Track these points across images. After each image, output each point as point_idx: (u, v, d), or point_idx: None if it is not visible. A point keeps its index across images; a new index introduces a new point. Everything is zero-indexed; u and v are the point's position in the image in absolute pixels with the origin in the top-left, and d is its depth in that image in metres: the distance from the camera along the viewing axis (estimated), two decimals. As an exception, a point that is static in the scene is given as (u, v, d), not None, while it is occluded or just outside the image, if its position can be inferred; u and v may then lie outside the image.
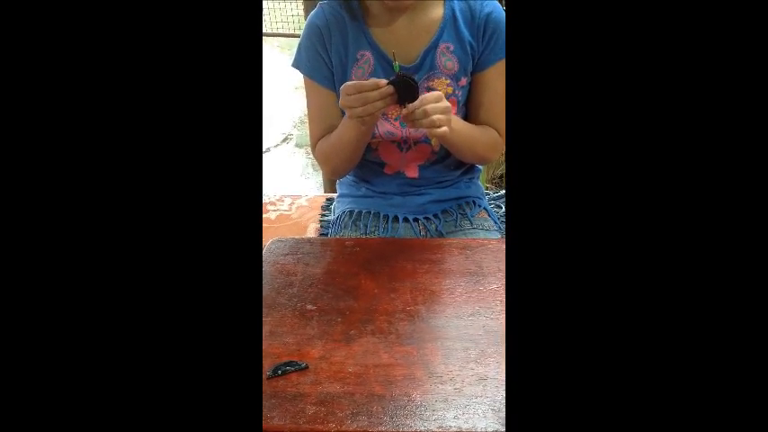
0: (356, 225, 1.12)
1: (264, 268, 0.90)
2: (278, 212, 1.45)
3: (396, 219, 1.12)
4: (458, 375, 0.68)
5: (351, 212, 1.15)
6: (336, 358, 0.71)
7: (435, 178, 1.13)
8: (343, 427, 0.61)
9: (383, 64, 1.02)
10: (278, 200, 1.50)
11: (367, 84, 0.88)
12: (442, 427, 0.61)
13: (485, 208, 1.17)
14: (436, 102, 0.87)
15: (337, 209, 1.21)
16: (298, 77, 1.10)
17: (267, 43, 4.78)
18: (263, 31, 4.67)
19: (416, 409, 0.64)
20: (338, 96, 1.06)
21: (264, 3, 4.74)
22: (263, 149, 3.14)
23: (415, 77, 1.01)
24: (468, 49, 1.02)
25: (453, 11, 1.02)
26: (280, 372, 0.68)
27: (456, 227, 1.12)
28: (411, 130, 1.05)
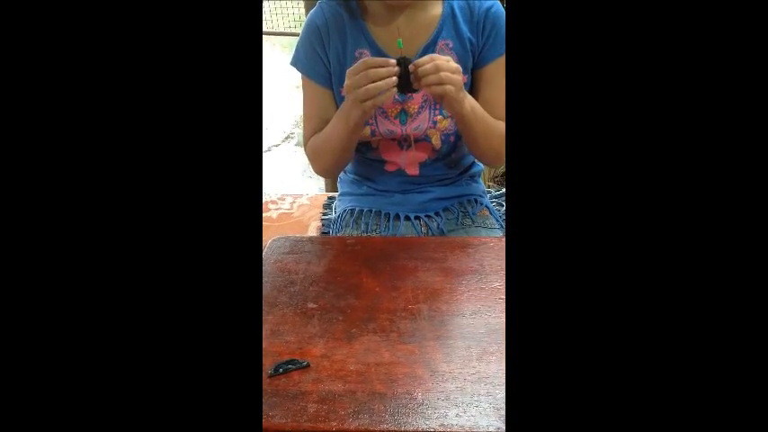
0: (357, 223, 1.12)
1: (266, 267, 0.89)
2: (279, 211, 1.45)
3: (397, 217, 1.12)
4: (459, 374, 0.67)
5: (352, 211, 1.15)
6: (338, 357, 0.71)
7: (436, 176, 1.12)
8: (345, 426, 0.61)
9: None
10: (279, 198, 1.50)
11: (376, 60, 0.88)
12: (443, 425, 0.61)
13: (486, 206, 1.17)
14: (446, 62, 0.88)
15: (338, 207, 1.21)
16: (299, 76, 1.10)
17: (268, 42, 4.78)
18: (265, 30, 4.67)
19: (418, 407, 0.63)
20: (335, 95, 1.06)
21: (266, 2, 4.73)
22: (265, 148, 3.14)
23: None
24: (468, 45, 1.02)
25: (452, 8, 1.02)
26: (281, 370, 0.68)
27: (457, 225, 1.12)
28: (411, 128, 1.05)
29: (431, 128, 1.06)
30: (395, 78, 0.87)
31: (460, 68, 0.90)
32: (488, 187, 1.31)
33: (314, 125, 1.07)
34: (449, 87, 0.87)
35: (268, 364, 0.69)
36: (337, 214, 1.19)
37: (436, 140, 1.08)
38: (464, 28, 1.02)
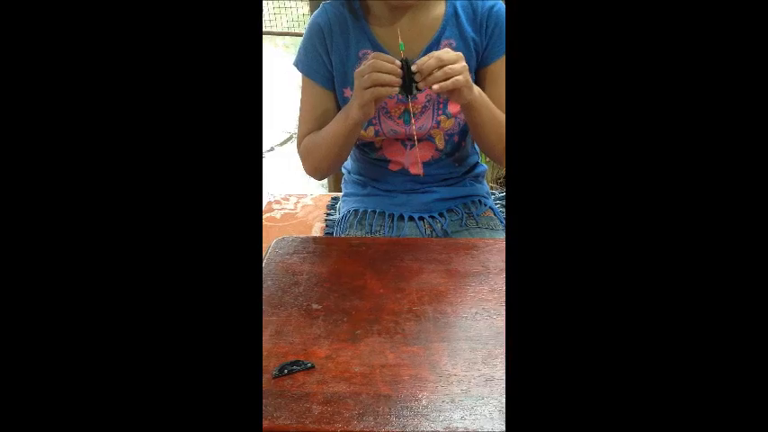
0: (361, 224, 1.12)
1: (270, 267, 0.89)
2: (283, 211, 1.45)
3: (401, 218, 1.12)
4: (465, 376, 0.67)
5: (356, 211, 1.15)
6: (342, 358, 0.70)
7: (440, 175, 1.12)
8: (350, 428, 0.61)
9: None
10: (283, 198, 1.50)
11: (386, 56, 0.90)
12: (448, 427, 0.61)
13: (490, 207, 1.16)
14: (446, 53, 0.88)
15: (342, 208, 1.21)
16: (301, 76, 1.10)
17: (272, 42, 4.78)
18: (268, 30, 4.67)
19: (423, 409, 0.63)
20: (336, 96, 1.06)
21: (270, 2, 4.74)
22: (267, 148, 3.14)
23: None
24: (472, 44, 1.02)
25: (455, 8, 1.02)
26: (285, 371, 0.68)
27: (461, 226, 1.12)
28: (414, 127, 1.04)
29: (434, 128, 1.06)
30: (397, 76, 0.88)
31: (461, 55, 0.89)
32: (492, 189, 1.31)
33: (310, 125, 1.07)
34: (456, 78, 0.87)
35: (272, 365, 0.69)
36: (341, 215, 1.19)
37: (440, 140, 1.08)
38: (467, 27, 1.02)
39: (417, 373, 0.68)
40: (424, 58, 0.88)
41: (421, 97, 1.03)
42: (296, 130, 1.14)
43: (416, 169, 1.10)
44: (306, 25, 1.09)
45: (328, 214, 1.41)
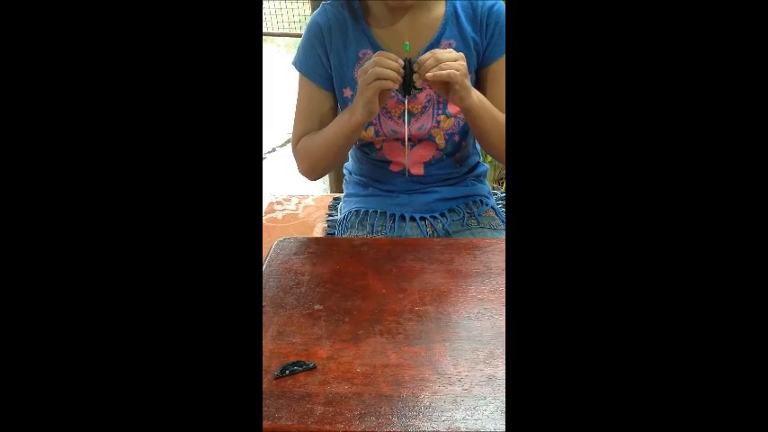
0: (363, 224, 1.12)
1: (272, 268, 0.89)
2: (285, 212, 1.45)
3: (402, 218, 1.11)
4: (466, 376, 0.67)
5: (357, 212, 1.15)
6: (344, 358, 0.70)
7: (441, 175, 1.12)
8: (352, 428, 0.61)
9: None
10: (285, 199, 1.50)
11: (390, 55, 0.91)
12: (450, 428, 0.61)
13: (492, 207, 1.16)
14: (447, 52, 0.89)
15: (344, 209, 1.21)
16: (301, 77, 1.10)
17: (273, 43, 4.78)
18: (267, 30, 4.67)
19: (425, 409, 0.63)
20: (335, 96, 1.06)
21: (271, 3, 4.74)
22: (269, 149, 3.15)
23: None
24: (472, 44, 1.02)
25: (455, 8, 1.02)
26: (287, 372, 0.68)
27: (463, 226, 1.12)
28: (415, 128, 1.04)
29: (434, 127, 1.06)
30: (398, 72, 0.89)
31: (462, 56, 0.90)
32: (493, 189, 1.31)
33: (306, 125, 1.07)
34: (451, 72, 0.87)
35: (274, 366, 0.69)
36: (343, 215, 1.19)
37: (440, 140, 1.08)
38: (467, 27, 1.02)
39: (419, 373, 0.68)
40: (426, 55, 0.89)
41: (421, 97, 1.03)
42: (298, 131, 1.13)
43: (417, 170, 1.10)
44: (305, 25, 1.09)
45: (330, 215, 1.42)
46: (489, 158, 1.89)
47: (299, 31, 4.65)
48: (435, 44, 1.02)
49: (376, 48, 1.02)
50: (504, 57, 1.02)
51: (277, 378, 0.67)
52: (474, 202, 1.15)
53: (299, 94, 1.09)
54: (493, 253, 0.91)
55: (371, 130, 1.05)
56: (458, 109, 1.03)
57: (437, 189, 1.13)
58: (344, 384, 0.66)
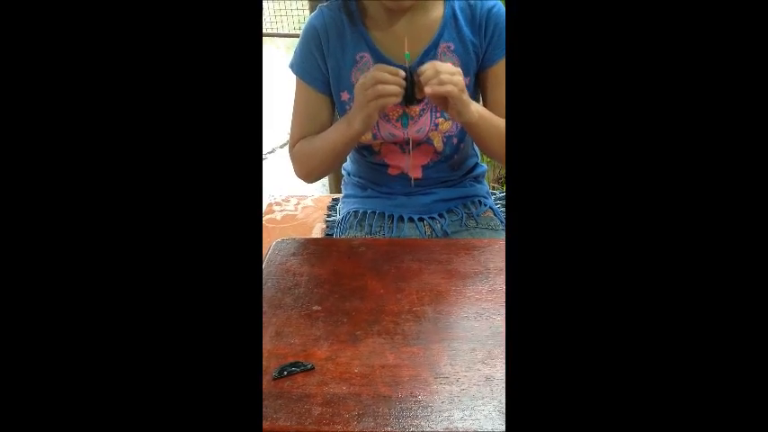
0: (361, 225, 1.12)
1: (270, 269, 0.89)
2: (284, 213, 1.45)
3: (401, 219, 1.11)
4: (464, 376, 0.67)
5: (356, 213, 1.14)
6: (342, 359, 0.71)
7: (440, 178, 1.12)
8: (350, 428, 0.61)
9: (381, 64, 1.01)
10: (284, 200, 1.50)
11: (388, 67, 0.90)
12: (448, 428, 0.61)
13: (491, 207, 1.16)
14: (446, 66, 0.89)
15: (342, 209, 1.21)
16: (300, 79, 1.09)
17: (272, 44, 4.78)
18: (267, 31, 4.67)
19: (423, 410, 0.63)
20: (332, 100, 1.06)
21: (270, 3, 4.74)
22: (268, 150, 3.15)
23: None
24: (471, 47, 1.01)
25: (453, 10, 1.01)
26: (285, 373, 0.68)
27: (461, 226, 1.12)
28: (413, 131, 1.04)
29: (432, 130, 1.05)
30: (400, 86, 0.89)
31: (460, 71, 0.90)
32: (492, 188, 1.31)
33: (303, 128, 1.07)
34: (450, 87, 0.87)
35: (272, 366, 0.69)
36: (341, 216, 1.19)
37: (438, 143, 1.07)
38: (466, 30, 1.01)
39: (417, 373, 0.68)
40: (424, 67, 0.88)
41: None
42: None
43: (416, 173, 1.10)
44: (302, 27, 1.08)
45: (329, 215, 1.42)
46: (487, 158, 1.89)
47: (297, 32, 4.64)
48: (433, 47, 1.01)
49: (373, 51, 1.01)
50: (503, 59, 1.01)
51: (275, 379, 0.67)
52: (472, 202, 1.15)
53: (296, 97, 1.09)
54: (491, 253, 0.91)
55: (369, 134, 1.05)
56: None
57: (435, 191, 1.13)
58: (342, 385, 0.67)
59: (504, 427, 0.61)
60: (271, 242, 0.97)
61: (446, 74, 0.87)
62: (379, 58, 1.00)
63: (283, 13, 4.76)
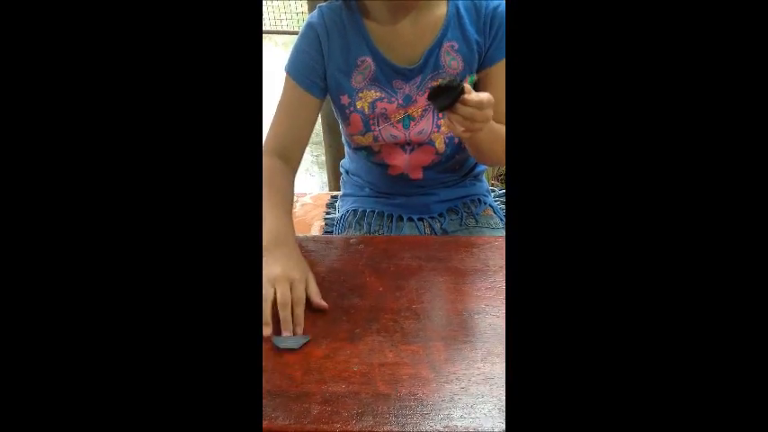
0: (360, 224, 1.11)
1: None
2: (282, 210, 1.44)
3: (400, 218, 1.11)
4: (464, 374, 0.67)
5: (355, 212, 1.14)
6: (341, 357, 0.70)
7: (440, 179, 1.11)
8: (349, 427, 0.61)
9: (383, 68, 0.99)
10: (282, 198, 1.49)
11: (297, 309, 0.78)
12: (448, 426, 0.61)
13: (490, 205, 1.16)
14: (489, 106, 0.83)
15: (341, 208, 1.20)
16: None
17: (270, 41, 4.77)
18: (268, 29, 4.66)
19: (422, 408, 0.63)
20: (318, 103, 1.01)
21: (270, 2, 4.73)
22: (268, 148, 3.14)
23: (419, 78, 0.98)
24: (475, 46, 0.99)
25: (457, 8, 0.99)
26: None
27: (461, 225, 1.11)
28: (414, 132, 1.03)
29: (434, 132, 1.03)
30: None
31: (491, 112, 0.85)
32: (492, 185, 1.30)
33: (282, 130, 1.01)
34: (467, 135, 0.84)
35: (269, 366, 0.69)
36: (340, 214, 1.19)
37: (440, 144, 1.05)
38: (470, 29, 0.99)
39: (417, 371, 0.68)
40: (477, 101, 0.81)
41: (421, 101, 1.00)
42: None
43: (416, 174, 1.09)
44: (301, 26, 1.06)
45: (327, 213, 1.41)
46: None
47: (295, 29, 4.64)
48: (437, 46, 0.99)
49: (374, 52, 0.98)
50: (504, 59, 0.99)
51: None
52: (472, 201, 1.14)
53: (282, 95, 1.03)
54: (491, 250, 0.91)
55: (370, 137, 1.03)
56: None
57: (435, 191, 1.12)
58: (341, 383, 0.66)
59: (503, 426, 0.60)
60: (269, 240, 0.96)
61: (484, 119, 0.82)
62: (381, 61, 0.98)
63: (283, 10, 4.75)
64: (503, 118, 1.01)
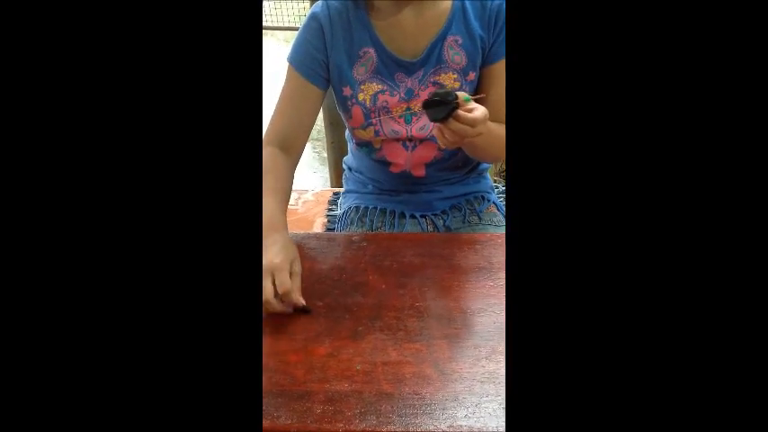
0: (362, 221, 1.11)
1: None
2: (284, 207, 1.44)
3: (402, 215, 1.10)
4: (468, 373, 0.66)
5: (357, 208, 1.13)
6: (344, 356, 0.69)
7: (443, 176, 1.10)
8: (352, 427, 0.60)
9: (385, 60, 0.98)
10: (284, 194, 1.49)
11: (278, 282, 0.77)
12: (452, 426, 0.60)
13: (494, 202, 1.15)
14: (482, 123, 0.83)
15: (344, 204, 1.20)
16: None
17: (272, 37, 4.76)
18: (268, 25, 4.65)
19: (426, 407, 0.62)
20: (321, 93, 1.01)
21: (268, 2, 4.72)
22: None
23: (422, 72, 0.98)
24: (479, 42, 0.99)
25: (463, 3, 0.98)
26: None
27: (464, 222, 1.10)
28: (416, 128, 1.02)
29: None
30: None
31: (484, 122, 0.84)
32: (495, 182, 1.29)
33: (284, 121, 1.00)
34: (452, 147, 0.85)
35: (272, 364, 0.68)
36: (342, 211, 1.18)
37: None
38: (475, 24, 0.98)
39: (420, 370, 0.67)
40: (472, 119, 0.81)
41: (423, 96, 1.00)
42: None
43: (419, 171, 1.08)
44: (305, 18, 1.05)
45: (330, 210, 1.40)
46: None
47: (296, 26, 4.62)
48: (440, 40, 0.98)
49: (377, 44, 0.98)
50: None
51: None
52: (475, 198, 1.13)
53: (284, 87, 1.03)
54: (494, 247, 0.90)
55: (371, 131, 1.02)
56: None
57: (438, 188, 1.11)
58: (344, 382, 0.66)
59: (508, 425, 0.60)
60: (271, 237, 0.96)
61: (476, 133, 0.82)
62: (383, 53, 0.98)
63: (280, 5, 4.74)
64: (505, 115, 1.00)
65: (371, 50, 0.98)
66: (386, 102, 0.99)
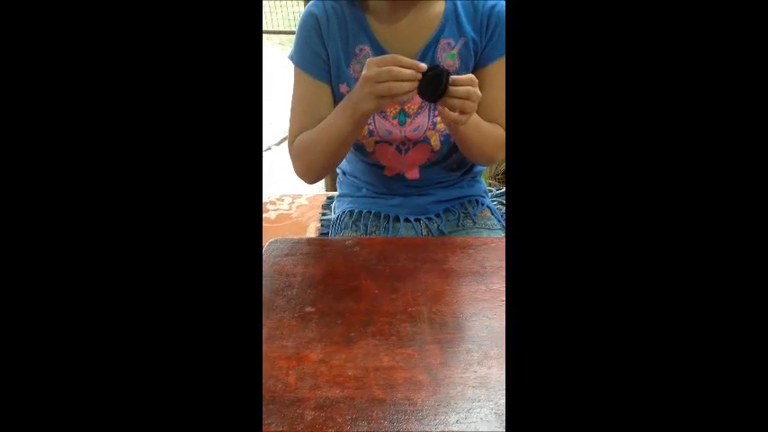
0: (356, 225, 1.11)
1: (263, 269, 0.88)
2: (278, 212, 1.44)
3: (397, 219, 1.10)
4: (460, 378, 0.66)
5: (351, 212, 1.13)
6: (336, 361, 0.69)
7: (437, 179, 1.10)
8: (343, 433, 0.60)
9: None
10: (278, 199, 1.49)
11: (406, 60, 0.83)
12: (444, 431, 0.60)
13: (488, 206, 1.15)
14: (477, 83, 0.84)
15: (338, 208, 1.20)
16: (297, 74, 1.06)
17: (268, 40, 4.77)
18: (266, 28, 4.66)
19: (418, 413, 0.62)
20: (331, 90, 1.02)
21: (266, 1, 4.72)
22: (265, 148, 3.13)
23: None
24: (471, 44, 0.99)
25: (455, 6, 0.99)
26: None
27: (458, 226, 1.10)
28: (410, 130, 1.02)
29: (430, 129, 1.03)
30: (415, 83, 0.82)
31: (479, 95, 0.85)
32: (489, 185, 1.30)
33: (303, 121, 1.01)
34: (463, 118, 0.84)
35: (264, 370, 0.68)
36: (336, 215, 1.18)
37: (435, 142, 1.05)
38: (467, 26, 0.99)
39: (412, 375, 0.67)
40: (462, 79, 0.83)
41: (417, 98, 1.00)
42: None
43: (412, 174, 1.08)
44: (300, 16, 1.04)
45: (324, 214, 1.40)
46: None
47: (293, 29, 4.62)
48: (434, 43, 0.99)
49: (374, 43, 0.99)
50: (500, 59, 0.99)
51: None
52: (469, 201, 1.13)
53: (295, 89, 1.04)
54: (487, 252, 0.90)
55: (365, 130, 1.03)
56: None
57: (432, 191, 1.11)
58: (336, 388, 0.65)
59: (500, 430, 0.60)
60: (264, 242, 0.96)
61: (473, 103, 0.83)
62: (379, 51, 0.98)
63: (278, 8, 4.75)
64: (499, 117, 1.00)
65: (367, 47, 0.99)
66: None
